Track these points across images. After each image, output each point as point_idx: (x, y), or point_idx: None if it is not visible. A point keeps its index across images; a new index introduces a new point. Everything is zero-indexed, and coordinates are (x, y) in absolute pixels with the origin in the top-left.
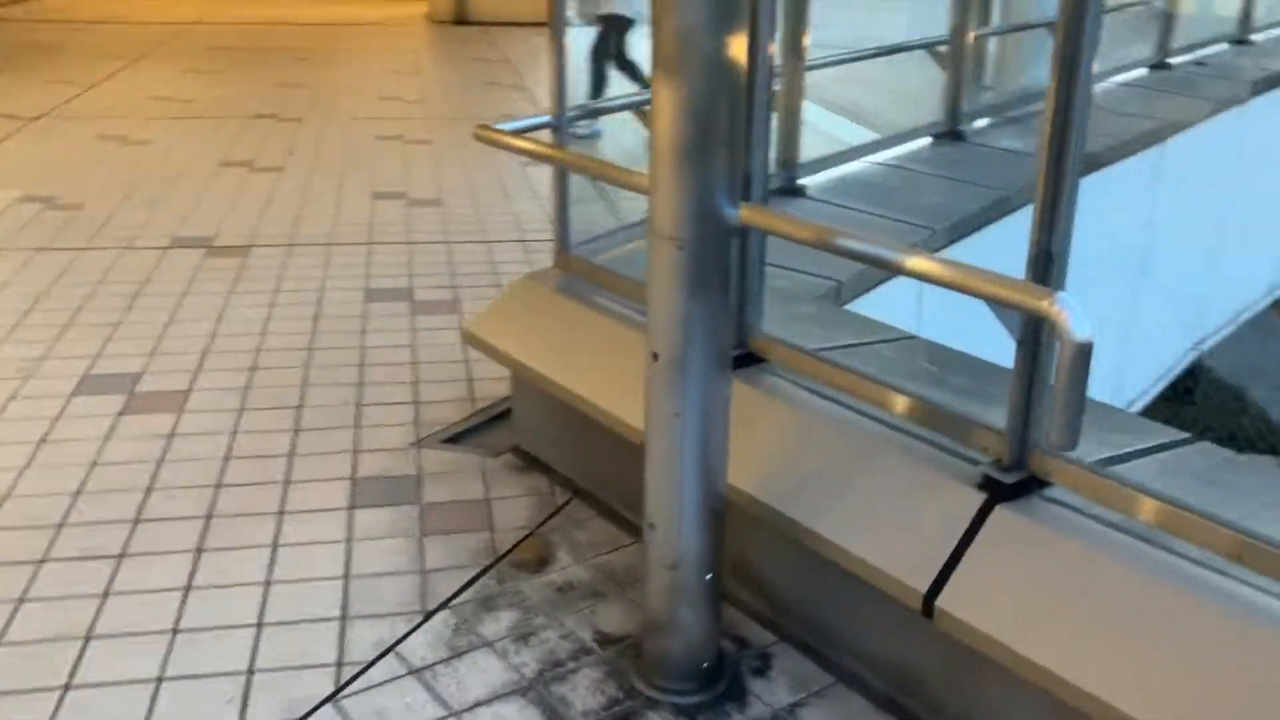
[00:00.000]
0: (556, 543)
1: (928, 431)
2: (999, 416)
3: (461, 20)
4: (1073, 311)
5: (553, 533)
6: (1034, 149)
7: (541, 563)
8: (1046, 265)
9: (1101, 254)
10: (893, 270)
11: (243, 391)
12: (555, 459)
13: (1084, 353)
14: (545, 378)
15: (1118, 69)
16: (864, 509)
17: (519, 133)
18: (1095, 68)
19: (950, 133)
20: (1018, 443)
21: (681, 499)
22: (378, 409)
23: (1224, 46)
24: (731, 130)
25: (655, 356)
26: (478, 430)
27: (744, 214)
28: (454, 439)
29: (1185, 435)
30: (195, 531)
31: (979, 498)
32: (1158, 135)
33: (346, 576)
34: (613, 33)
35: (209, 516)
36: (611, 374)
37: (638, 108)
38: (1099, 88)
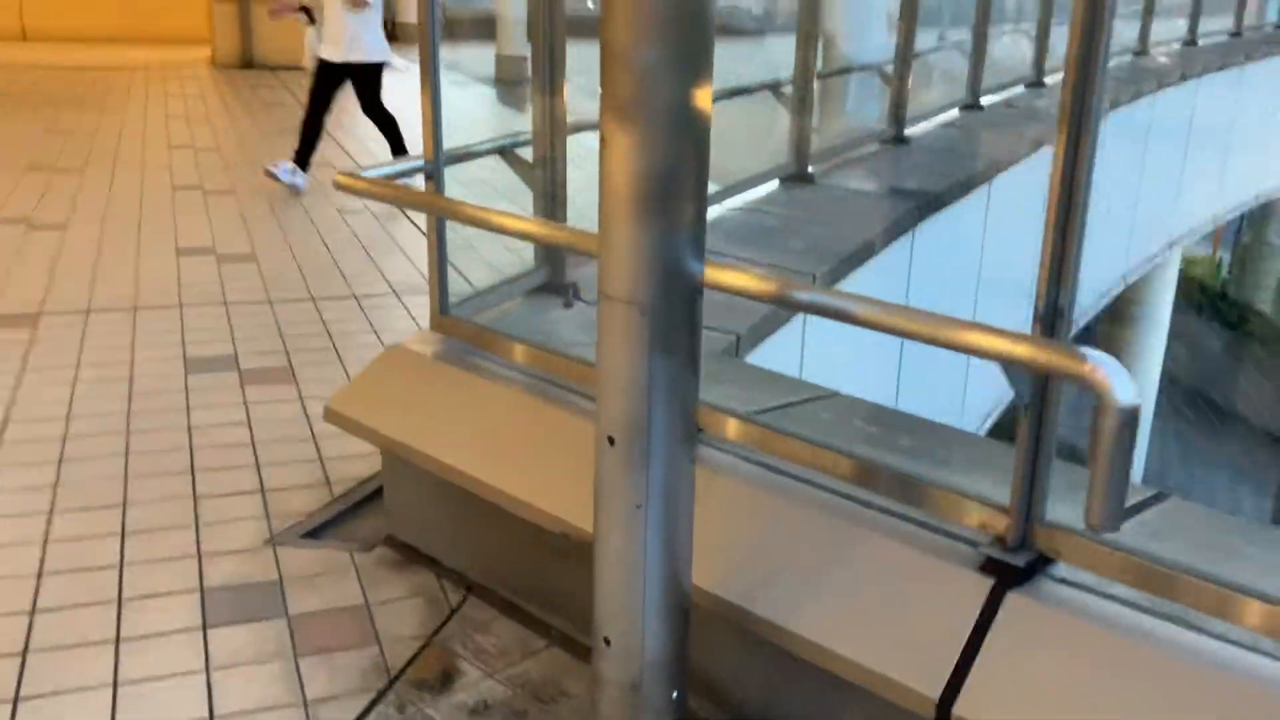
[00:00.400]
0: (459, 653)
1: (905, 507)
2: (979, 485)
3: (248, 64)
4: (1115, 373)
5: (452, 640)
6: (882, 190)
7: (446, 679)
8: (1054, 320)
9: (944, 298)
10: (890, 331)
11: (51, 489)
12: (441, 550)
13: (1131, 419)
14: (429, 457)
15: (936, 110)
16: (849, 602)
17: (388, 179)
18: (919, 109)
19: (799, 175)
20: (1023, 519)
21: (644, 607)
22: (219, 501)
23: (1021, 89)
24: (698, 179)
25: (611, 441)
26: (341, 520)
27: (707, 271)
28: (315, 532)
29: (1154, 490)
30: (9, 674)
31: (985, 583)
32: (987, 174)
33: (211, 718)
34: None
35: (24, 652)
36: (509, 450)
37: (507, 150)
38: (922, 128)
